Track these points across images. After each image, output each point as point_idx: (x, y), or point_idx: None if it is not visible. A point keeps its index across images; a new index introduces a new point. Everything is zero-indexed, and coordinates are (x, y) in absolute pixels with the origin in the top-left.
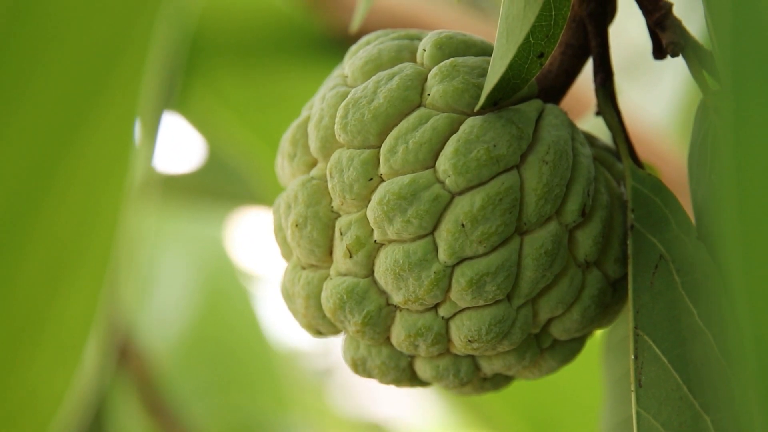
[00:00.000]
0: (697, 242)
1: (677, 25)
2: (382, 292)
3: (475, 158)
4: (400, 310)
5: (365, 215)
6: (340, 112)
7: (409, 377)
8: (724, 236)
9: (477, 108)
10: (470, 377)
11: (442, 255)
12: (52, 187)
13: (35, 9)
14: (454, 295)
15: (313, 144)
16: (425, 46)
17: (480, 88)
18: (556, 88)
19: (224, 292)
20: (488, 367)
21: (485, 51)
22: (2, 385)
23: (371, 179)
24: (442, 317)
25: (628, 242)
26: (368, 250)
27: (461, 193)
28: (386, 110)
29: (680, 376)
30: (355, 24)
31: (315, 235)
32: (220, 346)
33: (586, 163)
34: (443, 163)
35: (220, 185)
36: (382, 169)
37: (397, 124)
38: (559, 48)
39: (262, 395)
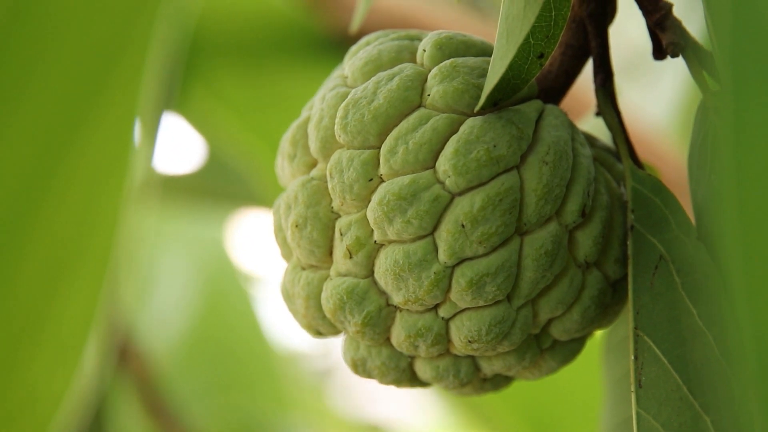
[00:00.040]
0: (697, 243)
1: (677, 25)
2: (382, 293)
3: (475, 159)
4: (400, 311)
5: (365, 216)
6: (340, 113)
7: (409, 378)
8: (724, 237)
9: (477, 108)
10: (470, 378)
11: (442, 255)
12: (52, 188)
13: (35, 9)
14: (454, 295)
15: (313, 144)
16: (425, 47)
17: (480, 88)
18: (556, 88)
19: (224, 293)
20: (488, 368)
21: (485, 51)
22: (2, 385)
23: (371, 180)
24: (442, 318)
25: (628, 243)
26: (368, 250)
27: (461, 193)
28: (386, 111)
29: (680, 377)
30: (355, 24)
31: (315, 236)
32: (220, 346)
33: (586, 163)
34: (443, 163)
35: (220, 186)
36: (382, 170)
37: (397, 125)
38: (559, 48)
39: (262, 396)
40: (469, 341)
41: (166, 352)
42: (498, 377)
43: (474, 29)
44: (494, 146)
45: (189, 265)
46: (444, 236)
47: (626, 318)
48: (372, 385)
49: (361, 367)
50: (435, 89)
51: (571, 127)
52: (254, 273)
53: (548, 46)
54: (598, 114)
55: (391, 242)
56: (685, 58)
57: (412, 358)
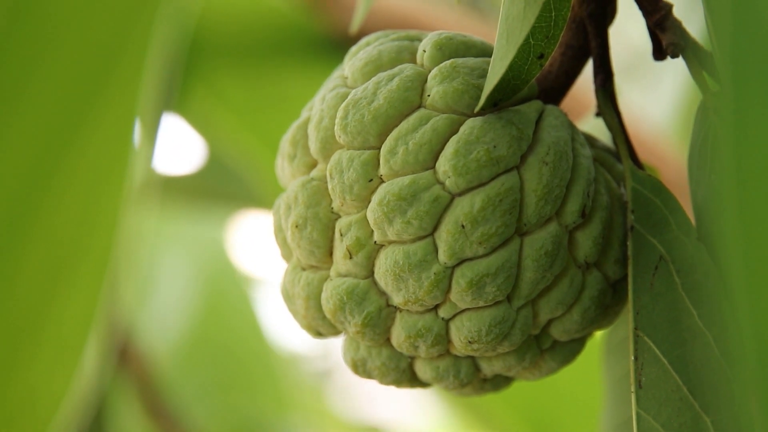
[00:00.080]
0: (697, 243)
1: (677, 26)
2: (383, 293)
3: (475, 159)
4: (400, 311)
5: (365, 216)
6: (340, 113)
7: (410, 378)
8: (724, 237)
9: (477, 109)
10: (470, 378)
11: (442, 256)
12: (51, 188)
13: (35, 10)
14: (454, 296)
15: (313, 145)
16: (425, 47)
17: (480, 89)
18: (556, 89)
19: (224, 294)
20: (488, 368)
21: (485, 52)
22: (2, 386)
23: (371, 180)
24: (442, 318)
25: (628, 243)
26: (368, 251)
27: (461, 194)
28: (386, 111)
29: (680, 377)
30: (355, 25)
31: (315, 236)
32: (219, 347)
33: (586, 164)
34: (443, 164)
35: (219, 186)
36: (382, 170)
37: (397, 125)
38: (559, 49)
39: (262, 396)
40: (469, 342)
41: (166, 353)
42: (498, 378)
43: (474, 30)
44: (494, 147)
45: (189, 266)
46: (444, 237)
47: (626, 318)
48: (371, 386)
49: (361, 368)
50: (435, 90)
51: (571, 127)
52: (254, 274)
53: (548, 47)
54: (598, 114)
55: (391, 243)
56: (685, 58)
57: (412, 358)
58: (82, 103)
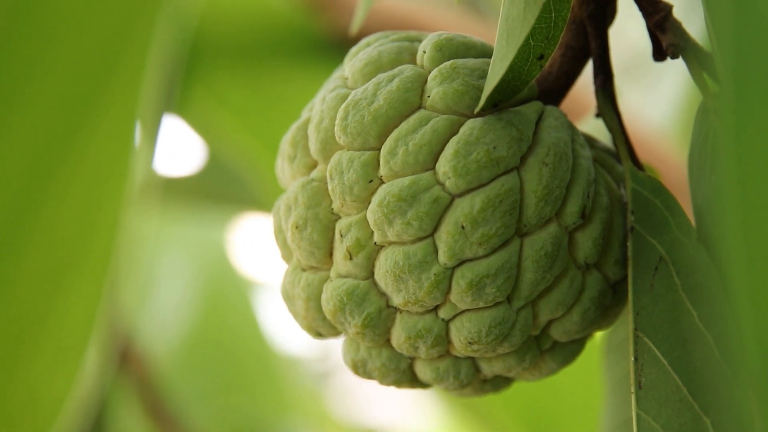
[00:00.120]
0: (697, 244)
1: (677, 26)
2: (383, 294)
3: (475, 160)
4: (401, 312)
5: (365, 217)
6: (340, 114)
7: (410, 379)
8: (725, 238)
9: (477, 110)
10: (470, 379)
11: (442, 257)
12: (52, 190)
13: (35, 11)
14: (454, 297)
15: (313, 146)
16: (425, 48)
17: (480, 90)
18: (556, 89)
19: (224, 295)
20: (488, 369)
21: (485, 53)
22: (3, 388)
23: (371, 181)
24: (442, 319)
25: (628, 244)
26: (368, 252)
27: (461, 195)
28: (386, 112)
29: (680, 378)
30: (355, 26)
31: (315, 237)
32: (220, 348)
33: (586, 164)
34: (443, 165)
35: (220, 188)
36: (382, 171)
37: (397, 126)
38: (559, 50)
39: (262, 398)
40: (469, 342)
41: (167, 354)
42: (498, 378)
43: (474, 31)
44: (494, 148)
45: (189, 267)
46: (444, 238)
47: (626, 319)
48: (371, 387)
49: (361, 369)
50: (435, 91)
51: (571, 128)
52: (254, 275)
53: (548, 48)
54: (598, 115)
55: (391, 244)
56: (685, 59)
57: (413, 359)
58: (82, 105)
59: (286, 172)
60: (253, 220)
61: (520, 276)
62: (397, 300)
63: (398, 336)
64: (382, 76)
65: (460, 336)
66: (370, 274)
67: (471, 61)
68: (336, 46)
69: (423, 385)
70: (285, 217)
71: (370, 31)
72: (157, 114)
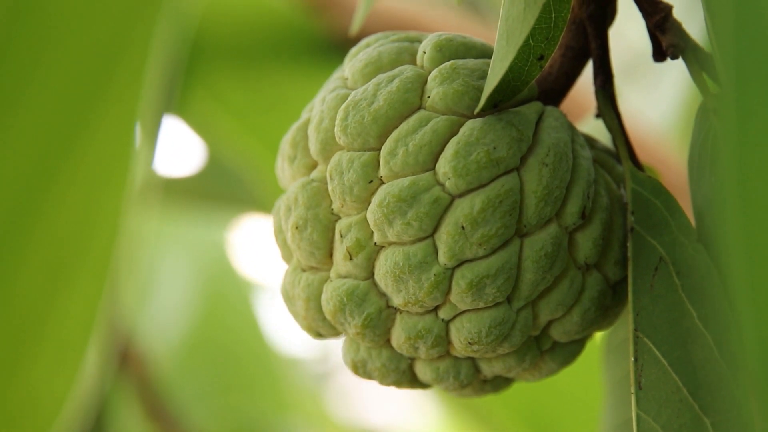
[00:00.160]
0: (697, 245)
1: (677, 27)
2: (383, 295)
3: (475, 161)
4: (401, 313)
5: (365, 217)
6: (340, 115)
7: (410, 379)
8: (725, 238)
9: (477, 110)
10: (470, 379)
11: (442, 257)
12: (52, 190)
13: (35, 12)
14: (454, 297)
15: (313, 146)
16: (425, 49)
17: (480, 90)
18: (556, 90)
19: (224, 295)
20: (488, 370)
21: (485, 53)
22: (3, 389)
23: (371, 182)
24: (442, 319)
25: (628, 245)
26: (368, 252)
27: (461, 195)
28: (386, 113)
29: (680, 379)
30: (355, 27)
31: (315, 238)
32: (220, 348)
33: (586, 165)
34: (443, 165)
35: (220, 188)
36: (382, 172)
37: (397, 127)
38: (559, 50)
39: (262, 398)
40: (469, 343)
41: (167, 354)
42: (498, 379)
43: (474, 31)
44: (494, 148)
45: (189, 268)
46: (444, 238)
47: (626, 320)
48: (370, 388)
49: (361, 369)
50: (435, 91)
51: (571, 128)
52: (254, 275)
53: (548, 48)
54: (598, 116)
55: (391, 244)
56: (685, 59)
57: (413, 359)
58: (83, 105)
59: (286, 172)
60: (253, 220)
61: (520, 276)
62: (397, 300)
63: (398, 336)
64: (382, 76)
65: (460, 336)
66: (370, 275)
67: (471, 62)
68: (336, 46)
69: (423, 385)
70: (285, 217)
71: (370, 32)
72: (158, 114)
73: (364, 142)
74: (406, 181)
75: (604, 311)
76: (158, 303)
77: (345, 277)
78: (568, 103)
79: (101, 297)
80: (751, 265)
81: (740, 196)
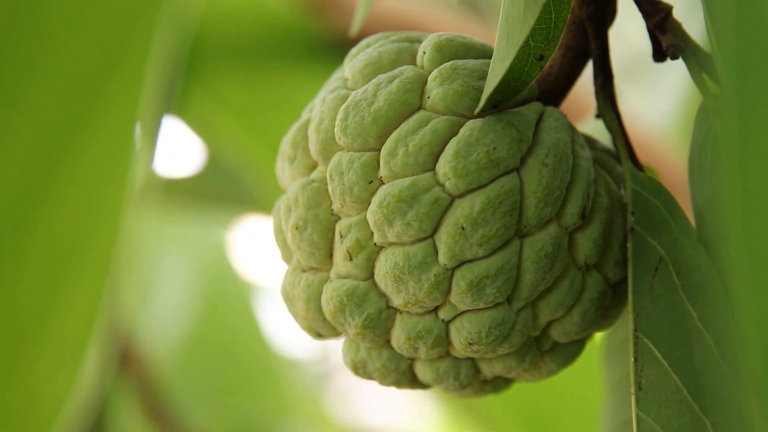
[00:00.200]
0: (698, 245)
1: (677, 27)
2: (383, 295)
3: (475, 161)
4: (400, 313)
5: (365, 218)
6: (340, 115)
7: (410, 380)
8: (726, 239)
9: (477, 111)
10: (470, 380)
11: (442, 258)
12: (53, 191)
13: (35, 12)
14: (454, 297)
15: (314, 147)
16: (425, 49)
17: (480, 90)
18: (555, 90)
19: (224, 296)
20: (488, 370)
21: (485, 54)
22: (4, 389)
23: (371, 182)
24: (442, 320)
25: (628, 245)
26: (368, 252)
27: (461, 196)
28: (386, 113)
29: (680, 379)
30: (355, 27)
31: (315, 238)
32: (220, 349)
33: (586, 165)
34: (443, 165)
35: (220, 189)
36: (382, 172)
37: (397, 127)
38: (559, 51)
39: (262, 399)
40: (469, 343)
41: (167, 355)
42: (498, 379)
43: (473, 32)
44: (494, 148)
45: (189, 268)
46: (444, 238)
47: (626, 320)
48: (370, 389)
49: (361, 369)
50: (435, 91)
51: (571, 129)
52: (254, 276)
53: (548, 49)
54: (598, 116)
55: (391, 244)
56: (685, 60)
57: (413, 360)
58: (83, 106)
59: (286, 172)
60: (253, 221)
61: (520, 277)
62: (397, 301)
63: (398, 337)
64: (382, 77)
65: (460, 337)
66: (370, 275)
67: (471, 62)
68: (336, 47)
69: (423, 385)
70: (285, 217)
71: (370, 33)
72: (158, 115)
73: (364, 142)
74: (406, 181)
75: (604, 312)
76: (158, 303)
77: (345, 277)
78: (568, 104)
79: (101, 297)
80: (751, 266)
81: (741, 197)
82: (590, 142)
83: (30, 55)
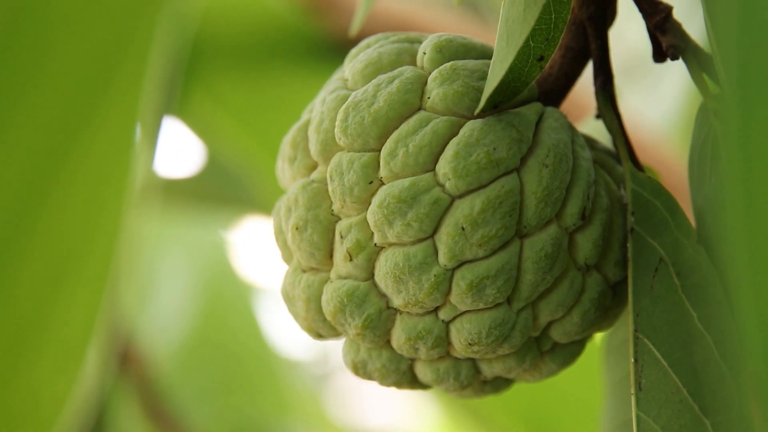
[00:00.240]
0: (697, 245)
1: (677, 28)
2: (383, 296)
3: (475, 161)
4: (401, 313)
5: (365, 218)
6: (340, 116)
7: (410, 380)
8: (726, 239)
9: (477, 111)
10: (470, 380)
11: (443, 258)
12: (53, 192)
13: (36, 12)
14: (454, 298)
15: (314, 147)
16: (425, 50)
17: (480, 91)
18: (556, 91)
19: (224, 296)
20: (488, 370)
21: (485, 54)
22: (4, 390)
23: (371, 182)
24: (443, 320)
25: (628, 245)
26: (368, 253)
27: (461, 196)
28: (386, 113)
29: (680, 380)
30: (355, 28)
31: (315, 239)
32: (220, 350)
33: (586, 166)
34: (443, 166)
35: (220, 189)
36: (383, 173)
37: (397, 128)
38: (559, 51)
39: (262, 399)
40: (470, 344)
41: (167, 355)
42: (498, 380)
43: (473, 32)
44: (494, 149)
45: (189, 269)
46: (444, 239)
47: (626, 320)
48: (370, 389)
49: (361, 370)
50: (435, 92)
51: (571, 129)
52: (254, 276)
53: (548, 49)
54: (598, 117)
55: (391, 245)
56: (685, 60)
57: (413, 360)
58: (83, 106)
59: (286, 173)
60: (253, 221)
61: (520, 277)
62: (397, 301)
63: (398, 337)
64: (382, 77)
65: (460, 337)
66: (371, 276)
67: (471, 63)
68: (336, 47)
69: (423, 386)
70: (285, 218)
71: (369, 33)
72: (158, 116)
73: (364, 143)
74: (406, 182)
75: (604, 312)
76: (158, 304)
77: (345, 278)
78: (568, 104)
79: (102, 298)
80: (752, 266)
81: (741, 197)
82: (590, 142)
83: (31, 56)
